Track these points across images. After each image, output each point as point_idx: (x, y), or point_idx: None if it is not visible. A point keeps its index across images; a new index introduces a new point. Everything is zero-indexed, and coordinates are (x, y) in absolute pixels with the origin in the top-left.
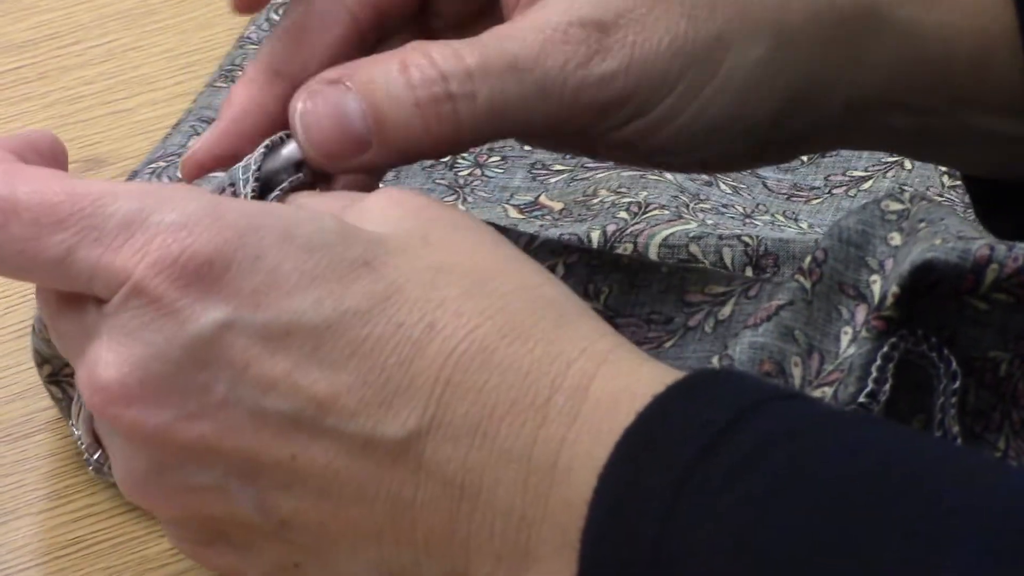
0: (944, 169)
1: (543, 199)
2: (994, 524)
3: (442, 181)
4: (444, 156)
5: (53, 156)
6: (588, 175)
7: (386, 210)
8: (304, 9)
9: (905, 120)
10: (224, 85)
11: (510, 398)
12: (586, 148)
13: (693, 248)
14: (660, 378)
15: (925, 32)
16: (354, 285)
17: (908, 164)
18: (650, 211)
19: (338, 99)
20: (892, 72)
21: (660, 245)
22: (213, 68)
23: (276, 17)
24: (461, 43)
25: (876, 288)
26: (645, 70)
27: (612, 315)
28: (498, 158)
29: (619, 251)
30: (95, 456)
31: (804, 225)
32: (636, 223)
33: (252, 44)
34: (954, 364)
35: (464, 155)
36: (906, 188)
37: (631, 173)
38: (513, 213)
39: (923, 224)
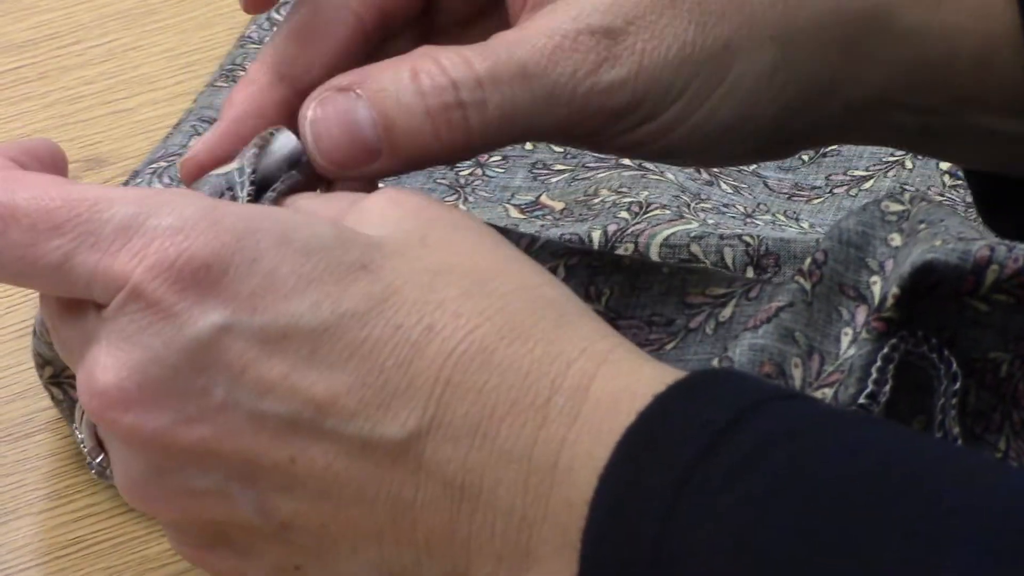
0: (945, 169)
1: (544, 199)
2: (994, 524)
3: (443, 181)
4: (452, 163)
5: (53, 163)
6: (589, 175)
7: (386, 210)
8: (308, 10)
9: (906, 118)
10: (225, 85)
11: (510, 399)
12: (594, 147)
13: (694, 248)
14: (661, 378)
15: (929, 33)
16: (352, 288)
17: (909, 164)
18: (651, 211)
19: (348, 107)
20: (894, 72)
21: (661, 245)
22: (213, 68)
23: (277, 16)
24: (470, 49)
25: (876, 289)
26: (654, 77)
27: (613, 317)
28: (499, 158)
29: (620, 251)
30: (98, 459)
31: (805, 225)
32: (637, 223)
33: (253, 43)
34: (954, 365)
35: None
36: (907, 188)
37: (632, 173)
38: (514, 213)
39: (923, 225)
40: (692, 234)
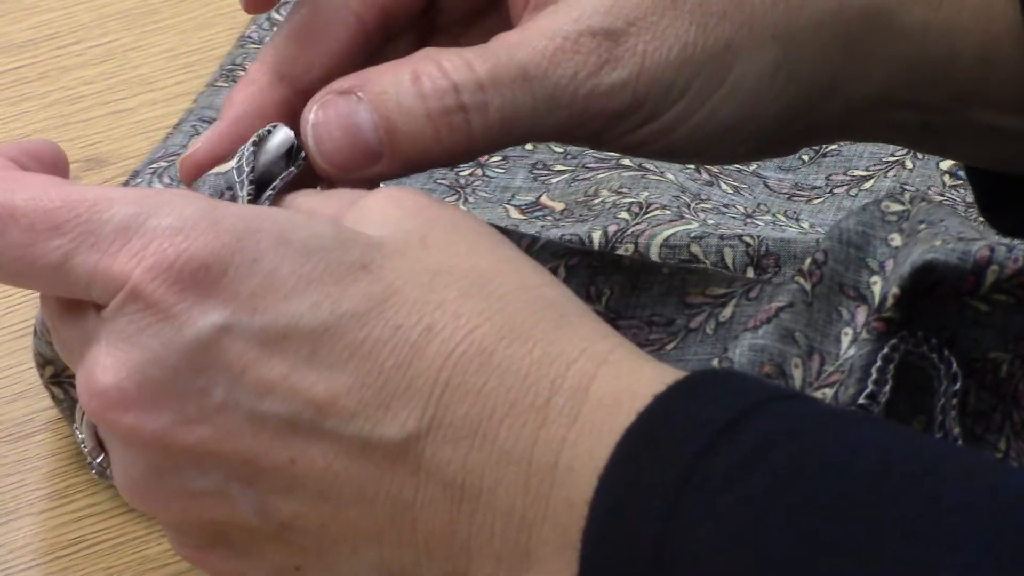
0: (945, 169)
1: (544, 199)
2: (994, 523)
3: (443, 181)
4: (454, 165)
5: (54, 164)
6: (589, 175)
7: (386, 210)
8: (308, 10)
9: (908, 116)
10: (225, 85)
11: (510, 399)
12: (596, 146)
13: (694, 248)
14: (661, 378)
15: (930, 32)
16: (351, 288)
17: (909, 164)
18: (651, 211)
19: (350, 110)
20: (896, 71)
21: (661, 245)
22: (213, 68)
23: (278, 16)
24: (471, 52)
25: (876, 289)
26: (655, 78)
27: (614, 317)
28: (499, 158)
29: (620, 251)
30: (98, 460)
31: (805, 225)
32: (637, 223)
33: (253, 43)
34: (954, 365)
35: None
36: (907, 188)
37: (632, 174)
38: (514, 213)
39: (923, 225)
40: (692, 234)
